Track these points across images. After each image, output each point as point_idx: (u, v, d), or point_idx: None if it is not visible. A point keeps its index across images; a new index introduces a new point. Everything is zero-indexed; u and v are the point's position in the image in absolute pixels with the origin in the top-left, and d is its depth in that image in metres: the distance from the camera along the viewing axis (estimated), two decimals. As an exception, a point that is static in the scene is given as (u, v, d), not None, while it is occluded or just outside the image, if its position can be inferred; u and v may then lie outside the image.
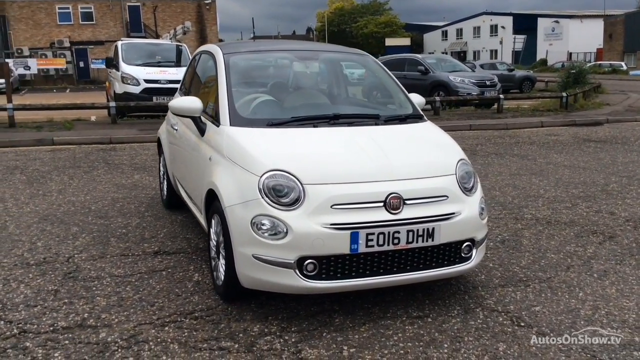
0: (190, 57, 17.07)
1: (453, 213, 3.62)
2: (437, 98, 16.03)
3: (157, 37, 42.61)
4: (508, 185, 7.36)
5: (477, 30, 76.03)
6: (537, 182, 7.55)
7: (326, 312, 3.73)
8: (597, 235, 5.33)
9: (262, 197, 3.41)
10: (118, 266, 4.50)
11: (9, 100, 13.30)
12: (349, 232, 3.36)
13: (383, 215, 3.45)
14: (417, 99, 4.84)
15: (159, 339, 3.36)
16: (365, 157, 3.65)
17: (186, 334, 3.44)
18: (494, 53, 69.20)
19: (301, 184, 3.43)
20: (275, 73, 4.95)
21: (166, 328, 3.50)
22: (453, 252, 3.70)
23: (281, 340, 3.37)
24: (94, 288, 4.08)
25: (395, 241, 3.46)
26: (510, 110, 16.74)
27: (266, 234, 3.37)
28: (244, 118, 4.06)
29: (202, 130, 4.31)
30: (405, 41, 56.87)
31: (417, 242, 3.51)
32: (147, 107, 13.83)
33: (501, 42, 65.21)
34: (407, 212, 3.49)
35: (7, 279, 4.25)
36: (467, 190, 3.79)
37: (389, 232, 3.43)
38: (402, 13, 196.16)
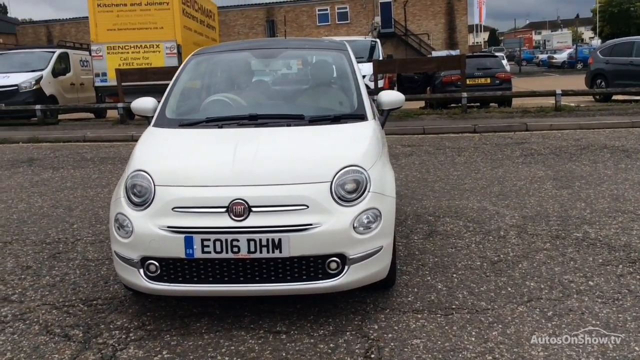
0: (382, 53, 17.32)
1: (310, 224, 3.29)
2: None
3: (406, 32, 43.44)
4: (605, 197, 6.11)
5: None
6: (653, 195, 6.14)
7: (200, 315, 3.68)
8: (632, 265, 4.23)
9: (123, 196, 3.54)
10: (100, 251, 4.97)
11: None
12: (183, 236, 3.31)
13: (224, 221, 3.30)
14: (389, 97, 4.43)
15: (34, 319, 3.71)
16: (227, 161, 3.50)
17: (61, 318, 3.72)
18: None
19: (154, 185, 3.46)
20: (231, 73, 4.88)
21: (54, 310, 3.83)
22: (313, 266, 3.36)
23: (122, 337, 3.45)
24: (56, 268, 4.60)
25: (235, 249, 3.28)
26: None
27: (121, 232, 3.49)
28: (166, 118, 4.18)
29: (153, 130, 4.54)
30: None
31: (260, 252, 3.28)
32: None
33: None
34: (251, 220, 3.29)
35: (11, 253, 5.00)
36: (345, 201, 3.38)
37: (226, 240, 3.28)
38: None
